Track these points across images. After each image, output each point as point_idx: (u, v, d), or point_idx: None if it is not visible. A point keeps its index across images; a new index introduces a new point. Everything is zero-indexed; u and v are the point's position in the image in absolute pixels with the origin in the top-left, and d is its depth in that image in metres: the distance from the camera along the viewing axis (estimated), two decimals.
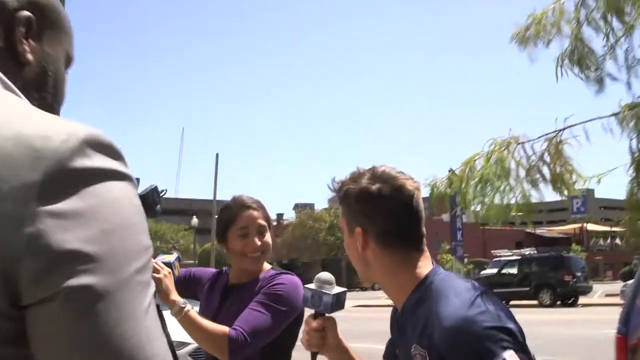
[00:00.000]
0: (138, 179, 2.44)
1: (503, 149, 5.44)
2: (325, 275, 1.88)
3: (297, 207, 61.65)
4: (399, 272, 1.63)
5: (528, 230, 50.23)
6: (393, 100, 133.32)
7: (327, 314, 1.83)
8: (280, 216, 62.43)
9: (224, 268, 2.80)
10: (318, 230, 50.79)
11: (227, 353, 2.29)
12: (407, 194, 1.62)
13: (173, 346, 2.26)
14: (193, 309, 2.35)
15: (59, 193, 0.68)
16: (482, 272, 31.85)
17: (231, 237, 2.58)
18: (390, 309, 1.83)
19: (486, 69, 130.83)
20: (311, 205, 59.24)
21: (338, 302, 1.83)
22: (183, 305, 2.30)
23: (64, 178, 0.69)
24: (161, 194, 2.27)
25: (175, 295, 2.32)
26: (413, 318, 1.57)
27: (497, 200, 5.41)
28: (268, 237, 2.59)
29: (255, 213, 2.59)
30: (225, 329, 2.32)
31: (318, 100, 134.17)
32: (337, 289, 1.84)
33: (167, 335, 2.17)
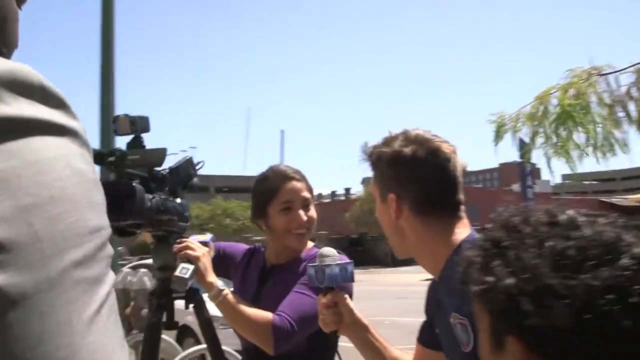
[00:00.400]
0: (202, 162, 2.45)
1: (582, 80, 4.60)
2: (327, 249, 1.82)
3: (365, 182, 61.31)
4: (435, 240, 1.55)
5: (603, 199, 48.52)
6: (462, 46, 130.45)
7: (335, 288, 1.74)
8: (348, 190, 62.39)
9: (257, 245, 2.54)
10: None
11: (272, 343, 2.06)
12: (443, 157, 1.53)
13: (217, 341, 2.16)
14: (232, 293, 2.14)
15: None
16: None
17: (272, 213, 2.29)
18: None
19: None
20: None
21: (344, 274, 1.75)
22: (222, 288, 2.09)
23: None
24: (197, 167, 2.24)
25: (213, 277, 2.10)
26: (450, 287, 1.47)
27: (578, 140, 4.56)
28: (313, 211, 2.34)
29: (298, 184, 2.32)
30: (268, 315, 2.08)
31: (385, 74, 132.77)
32: (340, 261, 1.78)
33: (207, 322, 2.14)
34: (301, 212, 2.28)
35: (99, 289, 0.53)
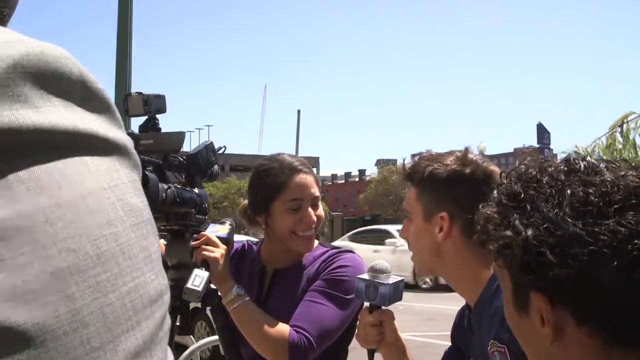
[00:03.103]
0: (224, 147, 2.19)
1: None
2: (382, 263, 1.65)
3: (380, 163, 61.21)
4: (478, 265, 1.51)
5: None
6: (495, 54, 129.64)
7: (383, 307, 1.63)
8: (362, 172, 62.29)
9: (247, 241, 2.20)
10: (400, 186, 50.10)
11: None
12: (496, 181, 1.41)
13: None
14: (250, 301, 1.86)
15: None
16: None
17: (278, 211, 1.96)
18: None
19: None
20: (394, 161, 58.57)
21: (396, 293, 1.63)
22: (241, 293, 1.84)
23: None
24: (219, 152, 1.97)
25: (230, 281, 1.85)
26: (489, 313, 1.47)
27: None
28: (321, 210, 2.03)
29: (308, 179, 1.98)
30: (285, 331, 1.81)
31: (401, 57, 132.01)
32: (393, 278, 1.63)
33: (226, 328, 1.87)
34: (310, 211, 1.96)
35: None
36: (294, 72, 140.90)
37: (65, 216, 0.32)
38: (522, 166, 0.91)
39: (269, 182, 1.97)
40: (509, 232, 0.84)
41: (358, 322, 1.67)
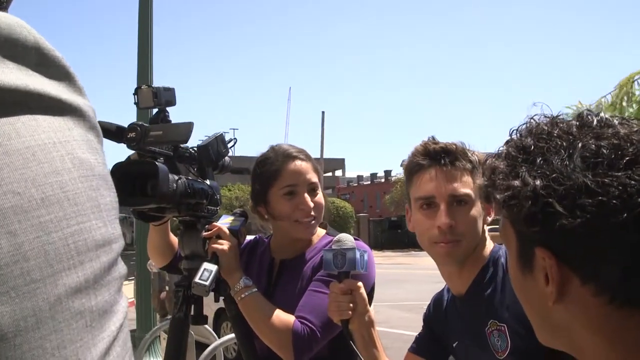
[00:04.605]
0: (235, 139, 2.22)
1: None
2: (344, 235, 1.71)
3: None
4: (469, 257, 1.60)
5: None
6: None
7: (351, 273, 1.66)
8: (388, 173, 61.99)
9: (258, 235, 2.23)
10: None
11: (291, 353, 1.82)
12: None
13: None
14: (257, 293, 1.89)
15: None
16: None
17: (274, 198, 2.00)
18: None
19: None
20: None
21: (362, 261, 1.66)
22: (249, 285, 1.87)
23: None
24: (229, 144, 1.98)
25: (238, 273, 1.88)
26: (485, 297, 1.55)
27: None
28: (321, 196, 2.04)
29: (304, 165, 2.00)
30: (290, 321, 1.84)
31: (428, 56, 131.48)
32: (358, 248, 1.68)
33: (239, 317, 1.86)
34: (307, 196, 1.98)
35: (107, 323, 0.39)
36: (318, 73, 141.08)
37: (13, 163, 0.36)
38: (533, 121, 0.90)
39: (265, 171, 2.02)
40: (516, 183, 0.82)
41: (329, 295, 1.67)
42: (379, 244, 45.77)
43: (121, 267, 0.43)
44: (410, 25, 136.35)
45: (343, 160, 69.82)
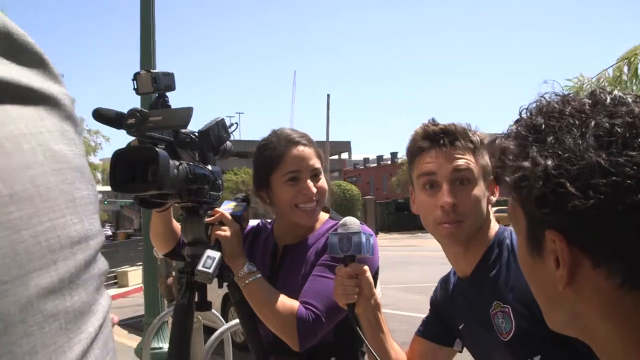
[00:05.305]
0: (236, 124, 2.18)
1: None
2: (350, 219, 1.68)
3: None
4: (473, 239, 1.59)
5: None
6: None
7: (357, 257, 1.64)
8: (394, 155, 61.92)
9: (261, 221, 2.22)
10: None
11: (296, 339, 1.81)
12: None
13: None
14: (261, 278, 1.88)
15: None
16: None
17: (276, 183, 1.98)
18: None
19: None
20: None
21: (367, 244, 1.65)
22: (252, 270, 1.86)
23: None
24: (230, 129, 1.95)
25: (241, 259, 1.87)
26: (489, 278, 1.55)
27: None
28: (324, 181, 2.02)
29: (306, 150, 1.99)
30: (294, 307, 1.83)
31: (433, 38, 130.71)
32: (364, 231, 1.66)
33: (243, 302, 1.85)
34: (309, 182, 1.97)
35: (84, 324, 0.37)
36: (323, 56, 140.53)
37: None
38: (543, 100, 0.86)
39: (267, 156, 1.99)
40: (527, 163, 0.79)
41: (335, 279, 1.66)
42: (386, 226, 45.78)
43: (101, 264, 0.41)
44: (418, 8, 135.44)
45: (349, 142, 69.76)
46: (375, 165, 65.51)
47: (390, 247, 27.48)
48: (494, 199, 1.61)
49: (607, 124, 0.76)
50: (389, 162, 61.62)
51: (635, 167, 0.72)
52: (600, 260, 0.76)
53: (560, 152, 0.76)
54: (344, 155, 69.49)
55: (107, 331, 0.40)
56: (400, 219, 47.38)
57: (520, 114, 0.88)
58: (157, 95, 1.77)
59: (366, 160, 69.43)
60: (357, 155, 73.38)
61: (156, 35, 6.25)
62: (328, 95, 28.08)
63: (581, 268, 0.77)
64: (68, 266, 0.36)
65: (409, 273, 15.64)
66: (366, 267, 1.64)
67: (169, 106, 1.78)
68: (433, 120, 1.64)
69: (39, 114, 0.38)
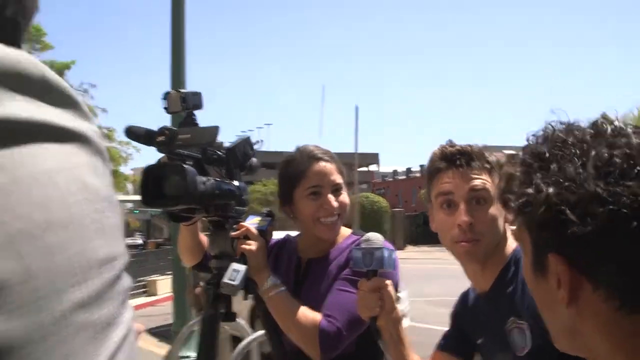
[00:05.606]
0: (261, 141, 2.26)
1: None
2: (373, 234, 1.74)
3: None
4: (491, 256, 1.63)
5: None
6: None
7: (379, 272, 1.70)
8: (423, 167, 61.52)
9: (287, 236, 2.29)
10: None
11: (318, 350, 1.87)
12: None
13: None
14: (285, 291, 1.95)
15: None
16: None
17: (299, 198, 2.06)
18: None
19: None
20: None
21: (389, 259, 1.70)
22: (276, 283, 1.94)
23: None
24: (254, 146, 2.03)
25: (266, 272, 1.95)
26: (506, 294, 1.59)
27: None
28: (345, 196, 2.09)
29: (328, 166, 2.06)
30: (316, 319, 1.89)
31: (462, 51, 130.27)
32: (386, 246, 1.72)
33: (269, 312, 1.92)
34: (331, 197, 2.04)
35: (110, 335, 0.42)
36: (351, 68, 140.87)
37: (20, 190, 0.39)
38: (550, 127, 0.91)
39: (291, 171, 2.08)
40: (530, 190, 0.84)
41: (358, 292, 1.71)
42: (414, 239, 45.50)
43: (125, 281, 0.46)
44: (446, 19, 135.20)
45: (377, 155, 69.60)
46: (404, 177, 65.30)
47: (418, 259, 27.29)
48: (510, 217, 1.64)
49: (606, 154, 0.80)
50: (418, 175, 61.34)
51: (631, 197, 0.76)
52: (598, 283, 0.79)
53: (561, 180, 0.81)
54: (373, 167, 69.38)
55: (131, 341, 0.45)
56: (429, 231, 45.77)
57: (527, 139, 0.92)
58: (185, 114, 1.85)
59: (395, 172, 69.27)
60: (386, 167, 73.30)
61: (186, 48, 6.35)
62: (357, 108, 28.09)
63: (582, 290, 0.81)
64: (96, 284, 0.42)
65: (437, 286, 15.52)
66: (388, 281, 1.69)
67: (197, 124, 1.85)
68: (450, 141, 1.70)
69: (72, 150, 0.44)
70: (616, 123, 0.87)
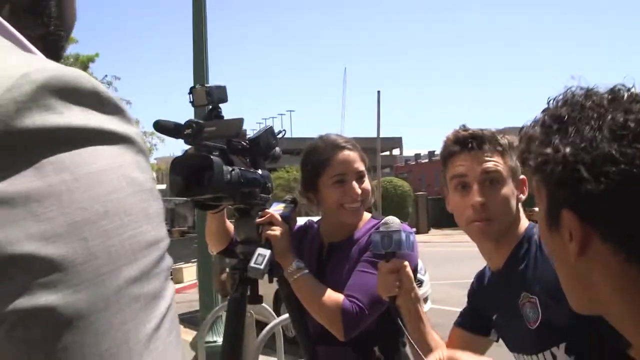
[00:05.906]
0: (284, 131, 2.34)
1: None
2: (391, 218, 1.82)
3: None
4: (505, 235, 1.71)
5: None
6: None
7: (397, 253, 1.78)
8: None
9: (309, 221, 2.40)
10: None
11: (342, 329, 1.98)
12: None
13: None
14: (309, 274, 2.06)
15: (2, 168, 0.44)
16: None
17: (324, 186, 2.15)
18: None
19: None
20: None
21: (407, 242, 1.78)
22: (301, 266, 2.04)
23: (10, 144, 0.45)
24: (278, 136, 2.12)
25: (290, 255, 2.05)
26: (519, 271, 1.67)
27: None
28: (367, 184, 2.19)
29: (352, 154, 2.16)
30: (339, 300, 1.99)
31: (485, 32, 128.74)
32: (404, 230, 1.80)
33: (292, 296, 2.03)
34: (355, 184, 2.14)
35: (157, 305, 0.50)
36: (373, 52, 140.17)
37: (81, 186, 0.47)
38: (569, 92, 0.96)
39: (315, 160, 2.16)
40: (549, 150, 0.90)
41: (377, 273, 1.81)
42: (438, 222, 45.37)
43: (167, 261, 0.54)
44: (470, 3, 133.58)
45: (400, 139, 69.28)
46: (426, 161, 64.93)
47: (442, 242, 27.28)
48: (523, 197, 1.73)
49: (621, 118, 0.86)
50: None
51: None
52: (607, 236, 0.86)
53: (578, 142, 0.87)
54: (396, 152, 69.13)
55: (173, 312, 0.53)
56: (452, 214, 46.55)
57: (547, 102, 1.00)
58: (210, 107, 1.94)
59: (417, 156, 68.85)
60: (409, 151, 72.91)
61: (207, 38, 6.40)
62: (378, 92, 27.86)
63: (591, 242, 0.88)
64: (146, 262, 0.50)
65: (460, 269, 15.49)
66: (406, 263, 1.78)
67: (222, 116, 1.94)
68: (464, 126, 1.78)
69: (120, 151, 0.52)
70: (633, 90, 0.93)
